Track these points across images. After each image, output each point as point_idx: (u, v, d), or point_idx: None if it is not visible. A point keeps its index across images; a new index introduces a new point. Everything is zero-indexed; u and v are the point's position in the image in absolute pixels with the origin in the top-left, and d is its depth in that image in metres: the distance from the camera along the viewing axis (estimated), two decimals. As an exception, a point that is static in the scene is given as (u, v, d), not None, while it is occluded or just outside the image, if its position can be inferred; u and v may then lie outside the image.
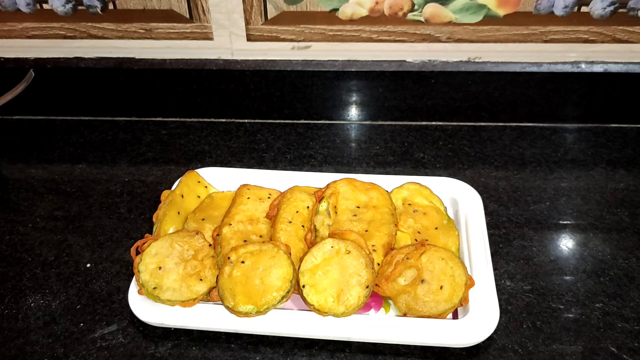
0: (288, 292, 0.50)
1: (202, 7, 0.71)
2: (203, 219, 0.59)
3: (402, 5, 0.69)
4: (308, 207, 0.58)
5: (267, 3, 0.70)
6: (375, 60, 0.74)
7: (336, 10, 0.70)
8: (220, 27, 0.72)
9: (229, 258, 0.52)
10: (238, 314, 0.50)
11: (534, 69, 0.73)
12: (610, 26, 0.69)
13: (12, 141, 0.78)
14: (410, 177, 0.63)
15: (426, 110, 0.78)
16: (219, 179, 0.65)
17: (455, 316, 0.52)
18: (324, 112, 0.79)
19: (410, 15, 0.70)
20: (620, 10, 0.68)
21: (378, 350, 0.51)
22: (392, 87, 0.76)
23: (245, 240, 0.55)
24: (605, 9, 0.68)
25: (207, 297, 0.53)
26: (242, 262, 0.52)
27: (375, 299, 0.55)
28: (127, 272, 0.59)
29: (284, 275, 0.51)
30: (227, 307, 0.51)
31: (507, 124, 0.78)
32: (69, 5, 0.71)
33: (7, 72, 0.76)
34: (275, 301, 0.50)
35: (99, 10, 0.72)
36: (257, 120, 0.80)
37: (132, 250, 0.54)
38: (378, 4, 0.69)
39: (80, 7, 0.72)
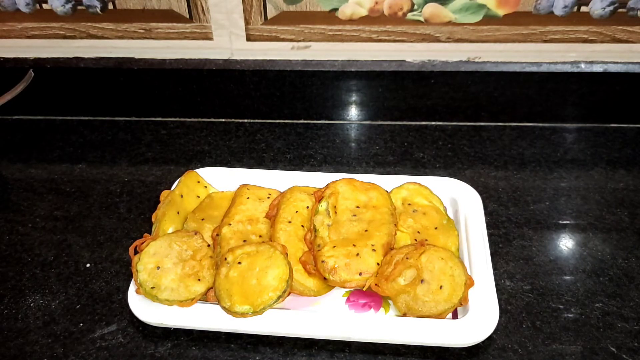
0: (284, 292, 0.50)
1: (202, 7, 0.71)
2: (202, 219, 0.59)
3: (402, 5, 0.69)
4: (308, 207, 0.58)
5: (267, 3, 0.70)
6: (375, 60, 0.74)
7: (336, 10, 0.70)
8: (220, 27, 0.72)
9: (225, 259, 0.52)
10: (234, 314, 0.50)
11: (534, 68, 0.73)
12: (609, 26, 0.69)
13: (12, 141, 0.78)
14: (409, 177, 0.63)
15: (426, 110, 0.78)
16: (219, 179, 0.65)
17: (455, 316, 0.52)
18: (324, 112, 0.79)
19: (409, 15, 0.70)
20: (620, 10, 0.68)
21: (378, 350, 0.51)
22: (391, 87, 0.76)
23: (244, 240, 0.55)
24: (604, 8, 0.68)
25: (204, 297, 0.53)
26: (239, 262, 0.52)
27: (375, 298, 0.55)
28: (127, 272, 0.59)
29: (280, 275, 0.51)
30: (223, 308, 0.50)
31: (506, 124, 0.78)
32: (69, 5, 0.71)
33: (7, 72, 0.75)
34: (272, 301, 0.50)
35: (98, 10, 0.72)
36: (256, 120, 0.80)
37: (131, 249, 0.54)
38: (377, 4, 0.69)
39: (79, 7, 0.72)
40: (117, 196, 0.68)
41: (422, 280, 0.51)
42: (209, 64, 0.75)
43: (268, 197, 0.61)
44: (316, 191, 0.59)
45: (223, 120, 0.80)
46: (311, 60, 0.74)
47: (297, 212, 0.58)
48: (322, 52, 0.74)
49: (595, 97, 0.75)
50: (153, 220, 0.59)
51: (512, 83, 0.74)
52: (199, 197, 0.62)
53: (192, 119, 0.80)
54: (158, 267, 0.53)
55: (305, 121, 0.79)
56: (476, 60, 0.73)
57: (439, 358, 0.50)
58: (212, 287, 0.53)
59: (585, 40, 0.71)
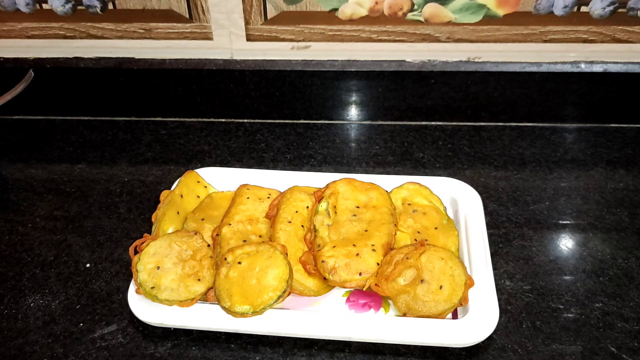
0: (284, 292, 0.50)
1: (202, 7, 0.71)
2: (202, 219, 0.59)
3: (402, 5, 0.69)
4: (307, 207, 0.58)
5: (267, 3, 0.70)
6: (375, 60, 0.74)
7: (336, 10, 0.70)
8: (220, 27, 0.72)
9: (225, 259, 0.52)
10: (234, 314, 0.50)
11: (534, 68, 0.73)
12: (609, 26, 0.69)
13: (12, 141, 0.78)
14: (409, 177, 0.63)
15: (426, 110, 0.78)
16: (219, 179, 0.65)
17: (454, 316, 0.52)
18: (324, 112, 0.79)
19: (409, 15, 0.70)
20: (620, 10, 0.68)
21: (378, 350, 0.51)
22: (391, 87, 0.76)
23: (244, 240, 0.55)
24: (604, 8, 0.68)
25: (204, 297, 0.53)
26: (239, 262, 0.52)
27: (375, 299, 0.55)
28: (127, 272, 0.59)
29: (280, 275, 0.51)
30: (223, 308, 0.50)
31: (506, 124, 0.78)
32: (69, 5, 0.71)
33: (7, 72, 0.76)
34: (272, 301, 0.50)
35: (98, 10, 0.72)
36: (256, 120, 0.80)
37: (131, 249, 0.54)
38: (377, 4, 0.69)
39: (79, 7, 0.72)
40: (117, 196, 0.68)
41: (422, 280, 0.51)
42: (209, 64, 0.75)
43: (268, 197, 0.61)
44: (316, 191, 0.59)
45: (223, 120, 0.80)
46: (311, 60, 0.74)
47: (297, 212, 0.58)
48: (322, 52, 0.74)
49: (595, 97, 0.75)
50: (153, 220, 0.59)
51: (512, 83, 0.74)
52: (199, 197, 0.62)
53: (192, 119, 0.80)
54: (158, 267, 0.53)
55: (305, 121, 0.79)
56: (476, 60, 0.73)
57: (439, 358, 0.50)
58: (212, 287, 0.53)
59: (585, 40, 0.71)
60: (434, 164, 0.72)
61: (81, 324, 0.54)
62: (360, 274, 0.52)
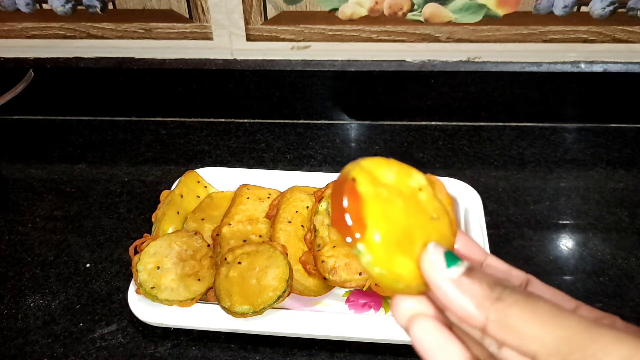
0: (284, 291, 0.50)
1: (202, 7, 0.71)
2: (202, 219, 0.59)
3: (402, 5, 0.69)
4: (308, 207, 0.58)
5: (267, 3, 0.70)
6: (375, 60, 0.74)
7: (336, 10, 0.70)
8: (220, 27, 0.72)
9: (225, 259, 0.52)
10: (234, 314, 0.50)
11: (534, 68, 0.73)
12: (609, 26, 0.69)
13: (12, 141, 0.78)
14: (409, 177, 0.63)
15: (426, 110, 0.77)
16: (219, 179, 0.65)
17: (454, 316, 0.52)
18: (324, 112, 0.79)
19: (409, 15, 0.70)
20: (620, 10, 0.68)
21: (378, 350, 0.51)
22: (391, 87, 0.76)
23: (244, 240, 0.55)
24: (604, 8, 0.68)
25: (204, 297, 0.53)
26: (239, 262, 0.52)
27: (375, 298, 0.55)
28: (127, 272, 0.59)
29: (280, 275, 0.51)
30: (223, 308, 0.50)
31: (506, 124, 0.78)
32: (69, 5, 0.71)
33: (7, 72, 0.75)
34: (272, 301, 0.50)
35: (98, 10, 0.72)
36: (256, 120, 0.80)
37: (131, 249, 0.54)
38: (377, 4, 0.69)
39: (79, 7, 0.72)
40: (117, 196, 0.68)
41: (422, 280, 0.51)
42: (209, 64, 0.75)
43: (268, 197, 0.61)
44: (316, 191, 0.59)
45: (223, 120, 0.80)
46: (311, 60, 0.74)
47: (297, 212, 0.58)
48: (322, 52, 0.74)
49: (595, 97, 0.75)
50: (153, 220, 0.59)
51: (512, 83, 0.74)
52: (199, 197, 0.62)
53: (192, 119, 0.80)
54: (158, 267, 0.53)
55: (305, 121, 0.79)
56: (476, 60, 0.73)
57: (439, 358, 0.50)
58: (212, 287, 0.53)
59: (585, 40, 0.71)
60: (434, 164, 0.72)
61: (81, 324, 0.54)
62: (360, 274, 0.52)
